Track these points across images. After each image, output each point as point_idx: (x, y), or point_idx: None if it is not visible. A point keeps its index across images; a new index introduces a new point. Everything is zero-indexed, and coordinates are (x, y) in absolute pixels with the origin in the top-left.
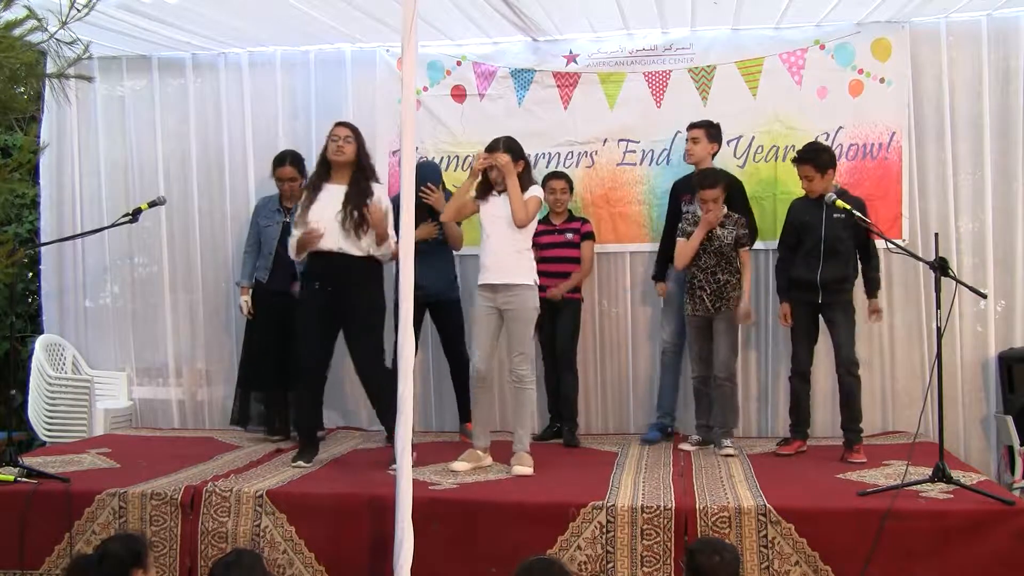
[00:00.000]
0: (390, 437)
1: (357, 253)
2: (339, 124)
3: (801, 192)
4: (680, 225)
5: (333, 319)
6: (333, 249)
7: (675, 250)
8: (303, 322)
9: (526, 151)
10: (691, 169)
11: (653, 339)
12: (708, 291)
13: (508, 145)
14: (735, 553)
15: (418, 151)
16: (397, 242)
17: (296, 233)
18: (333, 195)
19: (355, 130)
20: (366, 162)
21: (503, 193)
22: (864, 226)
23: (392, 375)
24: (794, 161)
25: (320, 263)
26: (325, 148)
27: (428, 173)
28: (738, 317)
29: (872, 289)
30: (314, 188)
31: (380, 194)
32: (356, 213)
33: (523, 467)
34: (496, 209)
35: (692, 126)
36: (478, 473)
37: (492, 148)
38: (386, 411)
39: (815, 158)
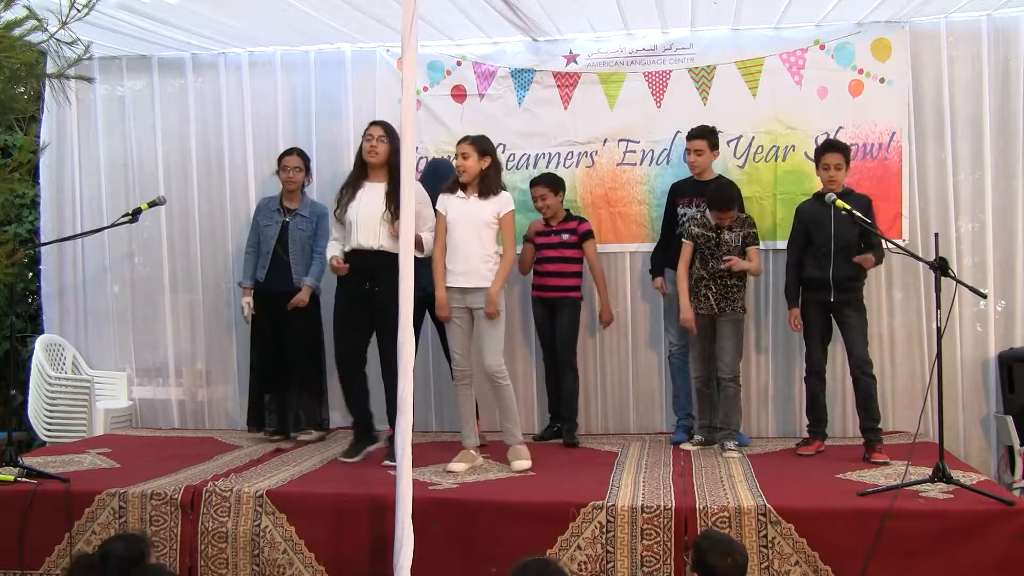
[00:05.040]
0: None
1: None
2: (373, 123)
3: (799, 192)
4: (680, 230)
5: (372, 314)
6: (375, 247)
7: (680, 255)
8: (340, 317)
9: (526, 151)
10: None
11: (654, 339)
12: (714, 290)
13: (475, 141)
14: (745, 555)
15: (418, 151)
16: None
17: (334, 246)
18: (372, 193)
19: (389, 128)
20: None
21: (471, 195)
22: (865, 226)
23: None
24: (828, 150)
25: (361, 261)
26: (361, 147)
27: (444, 171)
28: (733, 263)
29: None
30: (353, 187)
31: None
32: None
33: (522, 460)
34: (464, 210)
35: (693, 136)
36: (478, 473)
37: (461, 141)
38: None
39: (846, 148)
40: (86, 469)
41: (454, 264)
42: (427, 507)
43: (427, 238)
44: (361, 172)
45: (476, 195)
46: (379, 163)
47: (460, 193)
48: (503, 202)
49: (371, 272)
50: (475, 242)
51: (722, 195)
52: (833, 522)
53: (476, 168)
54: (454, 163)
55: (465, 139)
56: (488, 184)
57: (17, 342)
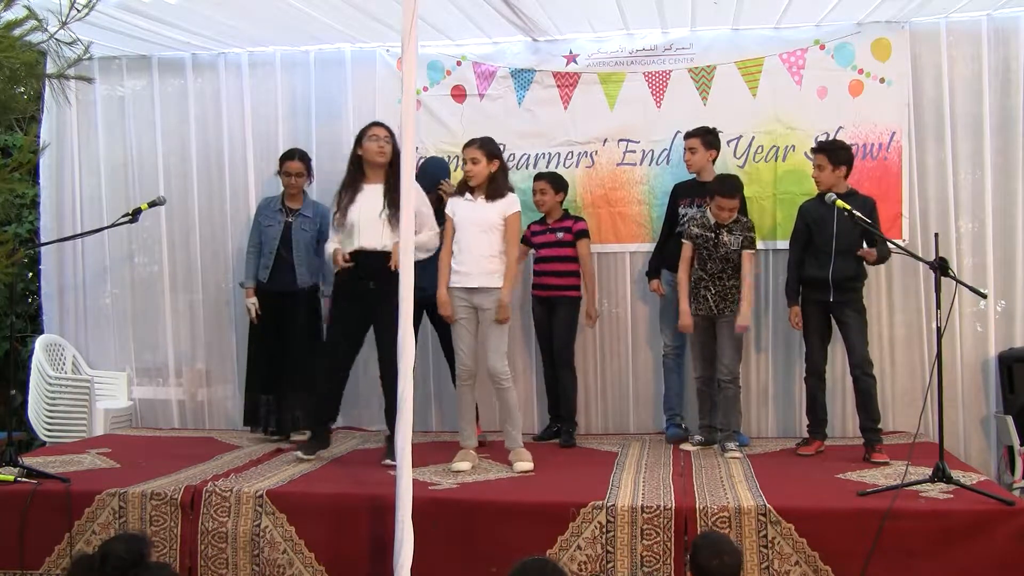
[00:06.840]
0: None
1: None
2: (377, 124)
3: (800, 192)
4: (679, 229)
5: (369, 315)
6: (378, 248)
7: (680, 256)
8: (339, 316)
9: (526, 151)
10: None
11: (653, 339)
12: (713, 292)
13: (483, 145)
14: (738, 556)
15: (418, 151)
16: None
17: (333, 243)
18: (371, 195)
19: (391, 130)
20: (399, 161)
21: (479, 197)
22: (865, 227)
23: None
24: (812, 151)
25: (365, 262)
26: (358, 148)
27: (437, 169)
28: (736, 325)
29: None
30: (352, 189)
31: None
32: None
33: (523, 462)
34: (471, 213)
35: (688, 135)
36: (478, 473)
37: (468, 146)
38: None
39: (830, 149)
40: (86, 469)
41: (461, 265)
42: (427, 507)
43: (427, 237)
44: (358, 174)
45: (484, 197)
46: (384, 163)
47: (468, 196)
48: (509, 203)
49: (375, 273)
50: (482, 243)
51: (725, 182)
52: (833, 522)
53: (485, 172)
54: (462, 168)
55: (472, 143)
56: (496, 187)
57: (17, 342)
